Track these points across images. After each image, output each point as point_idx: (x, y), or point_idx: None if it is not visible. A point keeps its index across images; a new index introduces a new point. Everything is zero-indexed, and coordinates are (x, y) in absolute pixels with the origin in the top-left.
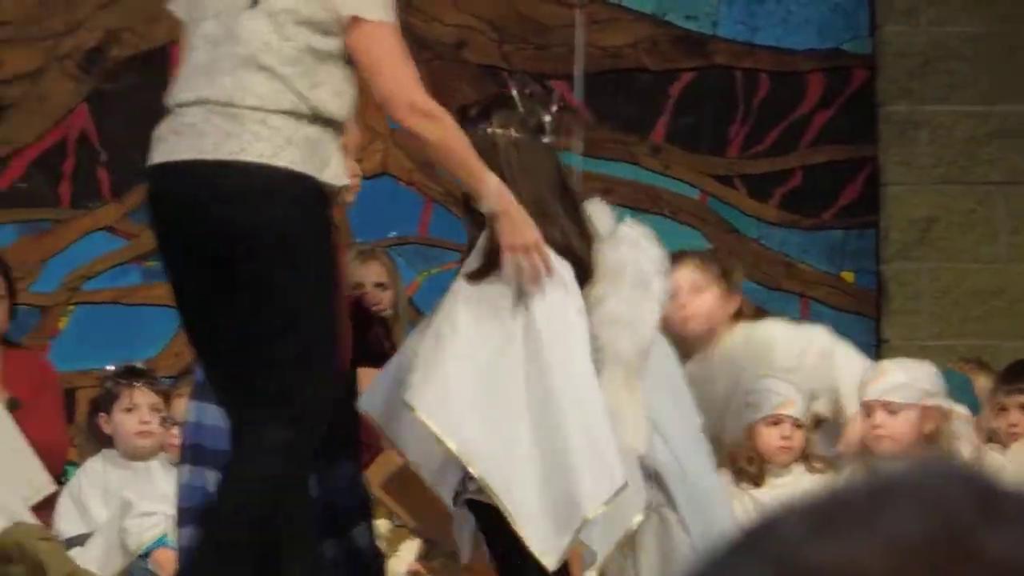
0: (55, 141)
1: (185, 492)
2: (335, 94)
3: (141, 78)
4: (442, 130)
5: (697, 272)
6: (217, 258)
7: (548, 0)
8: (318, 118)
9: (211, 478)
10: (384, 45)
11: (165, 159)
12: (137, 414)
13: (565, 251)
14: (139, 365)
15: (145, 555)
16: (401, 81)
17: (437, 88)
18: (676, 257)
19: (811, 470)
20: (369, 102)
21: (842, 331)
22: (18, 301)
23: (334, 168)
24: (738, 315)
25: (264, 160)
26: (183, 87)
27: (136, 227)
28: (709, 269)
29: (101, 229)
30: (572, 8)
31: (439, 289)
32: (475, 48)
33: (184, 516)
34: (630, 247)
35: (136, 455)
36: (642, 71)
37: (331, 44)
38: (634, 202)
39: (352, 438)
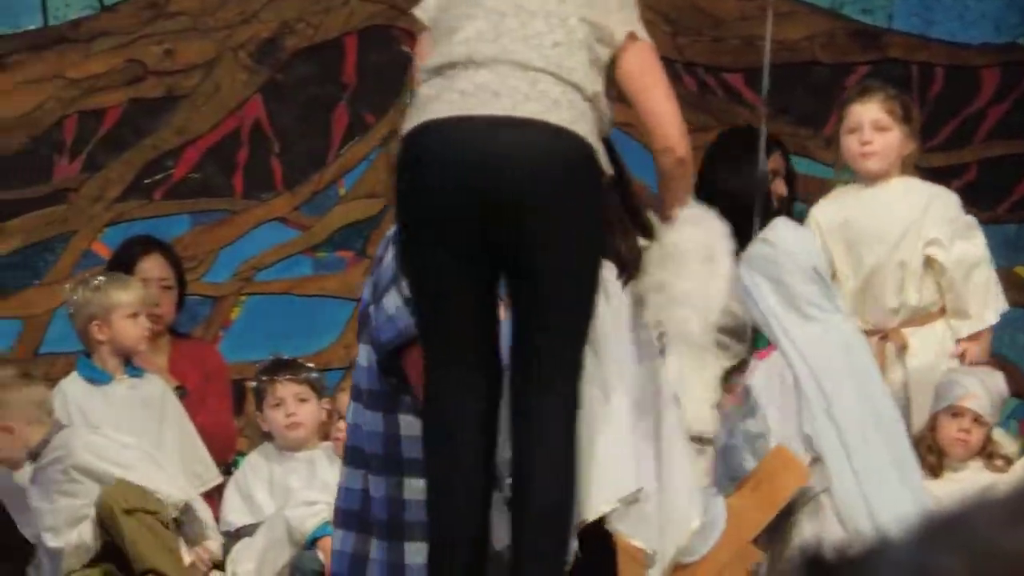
0: (229, 132)
1: (341, 493)
2: (607, 105)
3: (314, 69)
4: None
5: (883, 111)
6: (526, 222)
7: None
8: (595, 108)
9: (367, 482)
10: (657, 67)
11: (459, 113)
12: (283, 408)
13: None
14: (284, 357)
15: (311, 544)
16: (672, 115)
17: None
18: (863, 91)
19: (991, 468)
20: None
21: (1015, 326)
22: (189, 291)
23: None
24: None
25: (577, 131)
26: (466, 49)
27: (308, 218)
28: (894, 109)
29: (273, 219)
30: (750, 1)
31: None
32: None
33: (339, 517)
34: (693, 226)
35: (292, 447)
36: (818, 64)
37: (603, 53)
38: (807, 195)
39: None
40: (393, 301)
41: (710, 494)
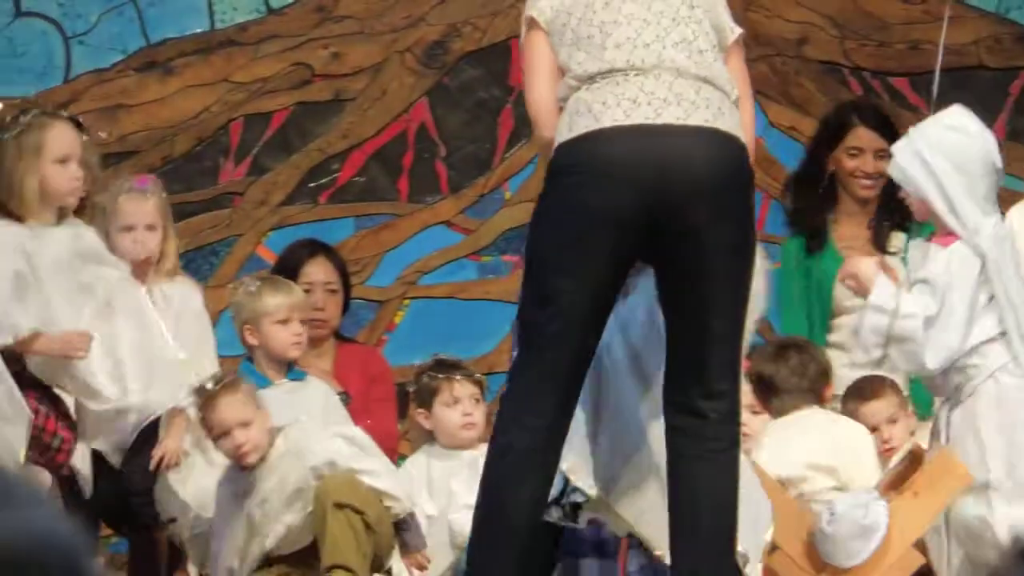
0: (394, 135)
1: None
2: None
3: (481, 72)
4: None
5: None
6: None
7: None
8: (736, 109)
9: None
10: (747, 75)
11: (634, 122)
12: (460, 407)
13: None
14: (447, 357)
15: None
16: (752, 125)
17: (778, 84)
18: None
19: None
20: None
21: None
22: (354, 295)
23: None
24: None
25: (739, 136)
26: (624, 56)
27: (473, 222)
28: None
29: (438, 224)
30: (917, 5)
31: (776, 287)
32: (816, 45)
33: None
34: None
35: (461, 446)
36: (983, 69)
37: (721, 58)
38: None
39: None
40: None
41: (872, 497)
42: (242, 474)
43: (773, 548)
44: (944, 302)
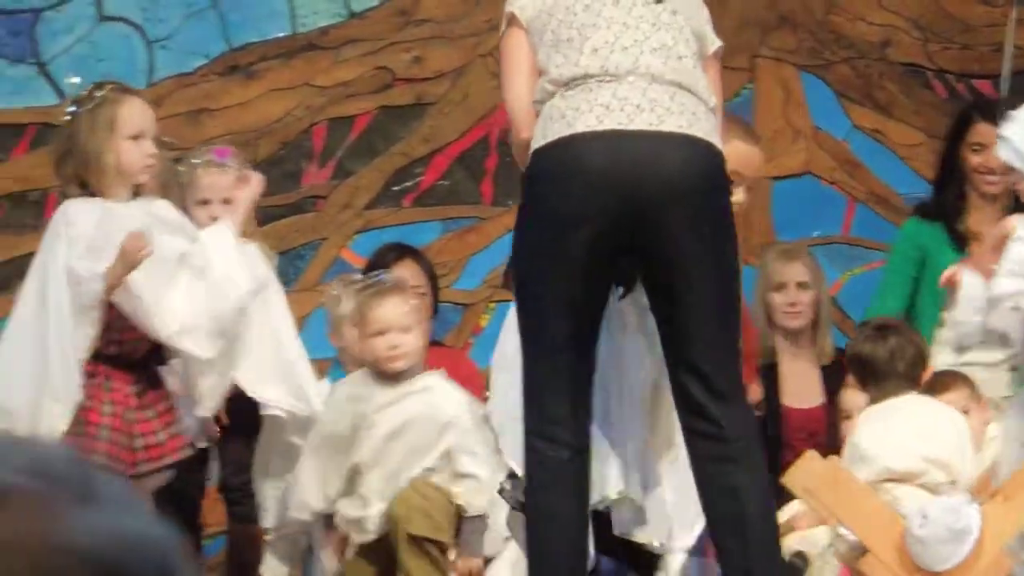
0: (477, 139)
1: None
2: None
3: None
4: None
5: None
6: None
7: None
8: (714, 116)
9: None
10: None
11: (606, 127)
12: None
13: None
14: None
15: None
16: None
17: (862, 87)
18: None
19: None
20: (791, 100)
21: None
22: (442, 299)
23: None
24: None
25: (714, 142)
26: (599, 61)
27: None
28: None
29: None
30: (999, 8)
31: (862, 290)
32: (899, 47)
33: None
34: None
35: None
36: None
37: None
38: None
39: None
40: None
41: (964, 502)
42: (373, 386)
43: (864, 552)
44: None
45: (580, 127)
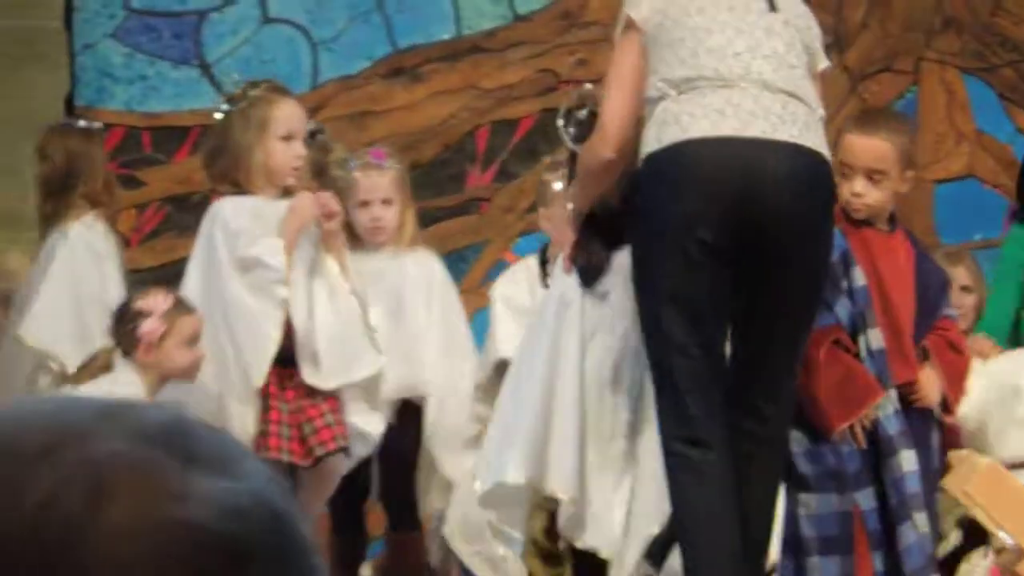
0: None
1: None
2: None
3: None
4: None
5: None
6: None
7: None
8: (823, 126)
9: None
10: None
11: (720, 134)
12: None
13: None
14: None
15: None
16: None
17: None
18: None
19: None
20: (955, 103)
21: None
22: None
23: None
24: None
25: (824, 152)
26: (713, 64)
27: None
28: None
29: None
30: None
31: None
32: None
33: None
34: None
35: None
36: None
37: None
38: None
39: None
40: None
41: None
42: None
43: (1022, 554)
44: None
45: (695, 132)
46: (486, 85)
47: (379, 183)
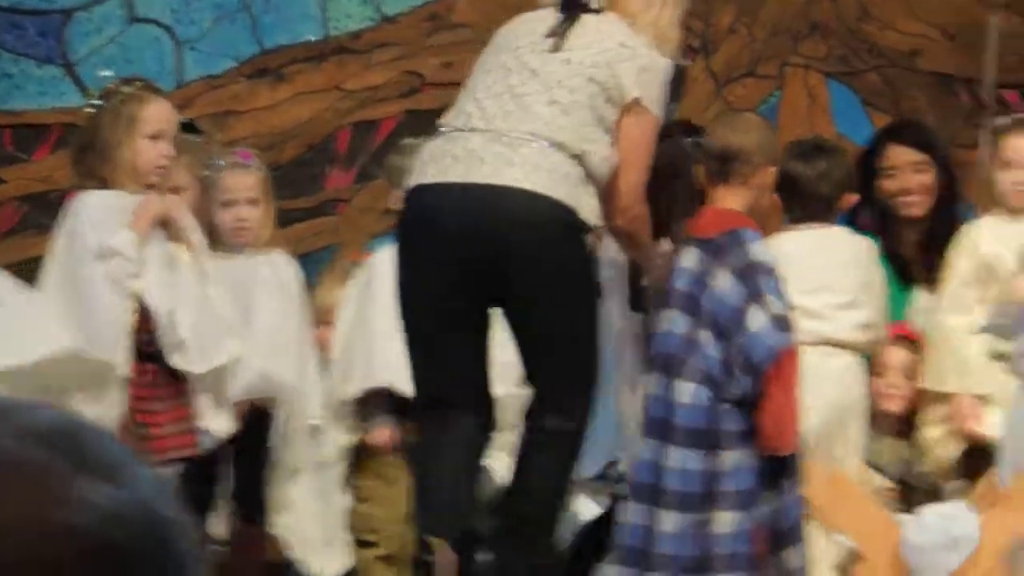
0: None
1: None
2: (602, 158)
3: None
4: (643, 233)
5: None
6: (491, 275)
7: (1005, 9)
8: (581, 160)
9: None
10: (645, 139)
11: (445, 180)
12: None
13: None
14: None
15: None
16: (635, 184)
17: (890, 96)
18: None
19: None
20: (816, 106)
21: None
22: None
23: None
24: None
25: (552, 194)
26: (473, 109)
27: None
28: None
29: None
30: None
31: None
32: (929, 56)
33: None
34: None
35: None
36: None
37: (609, 112)
38: None
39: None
40: (758, 320)
41: (963, 509)
42: None
43: (858, 558)
44: None
45: (428, 177)
46: (351, 86)
47: (245, 183)
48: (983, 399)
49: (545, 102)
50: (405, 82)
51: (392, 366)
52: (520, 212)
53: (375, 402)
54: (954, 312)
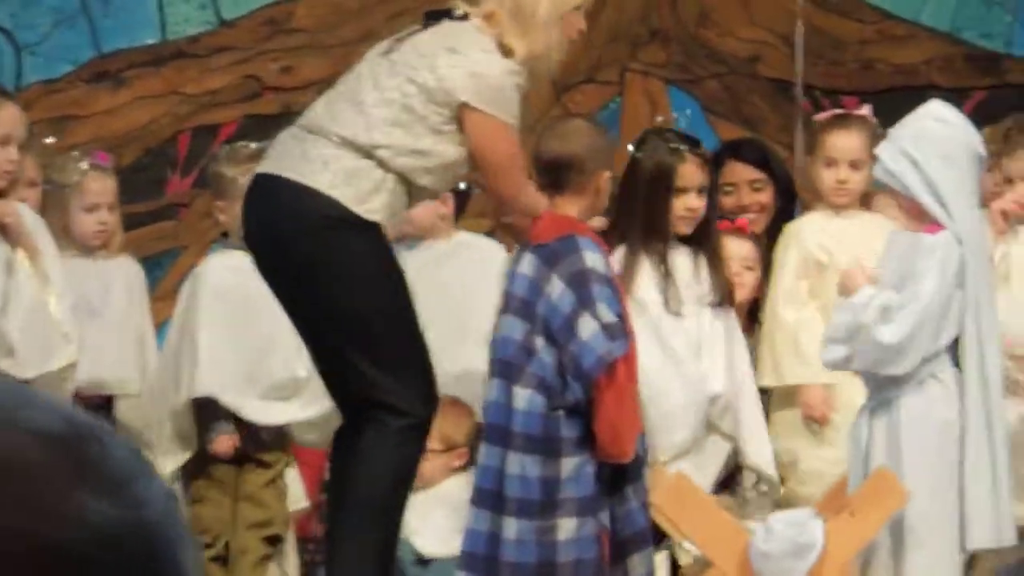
0: None
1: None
2: (411, 154)
3: None
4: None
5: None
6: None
7: (844, 16)
8: (372, 156)
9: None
10: (487, 142)
11: (259, 171)
12: None
13: None
14: None
15: None
16: (498, 186)
17: (729, 102)
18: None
19: None
20: (657, 114)
21: None
22: None
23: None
24: None
25: (332, 193)
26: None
27: None
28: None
29: None
30: (870, 25)
31: None
32: (769, 63)
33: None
34: None
35: None
36: (934, 88)
37: (434, 112)
38: None
39: (641, 467)
40: (588, 328)
41: (809, 516)
42: None
43: (707, 564)
44: (916, 290)
45: (260, 166)
46: (190, 90)
47: (108, 187)
48: (828, 387)
49: (371, 103)
50: (244, 86)
51: (216, 377)
52: (287, 204)
53: (212, 410)
54: (788, 305)
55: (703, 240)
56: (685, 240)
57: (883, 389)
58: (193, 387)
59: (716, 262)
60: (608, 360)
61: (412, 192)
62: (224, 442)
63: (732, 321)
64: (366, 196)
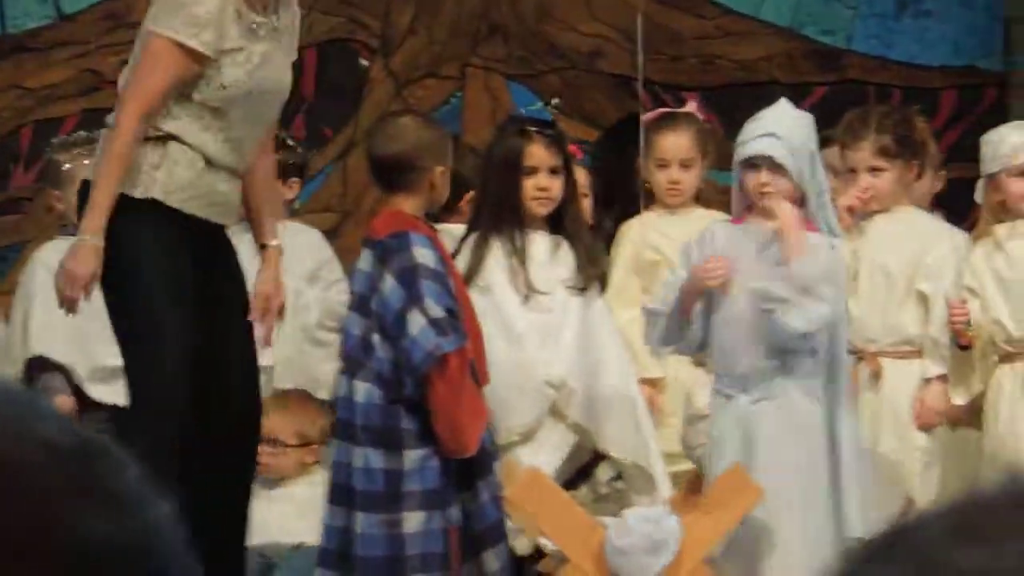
0: None
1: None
2: (166, 115)
3: None
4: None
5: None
6: None
7: (684, 11)
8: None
9: (353, 520)
10: (145, 52)
11: None
12: None
13: None
14: None
15: None
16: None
17: (572, 97)
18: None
19: None
20: (499, 109)
21: None
22: None
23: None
24: None
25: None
26: None
27: None
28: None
29: None
30: (711, 20)
31: None
32: (610, 58)
33: (320, 556)
34: None
35: None
36: (775, 84)
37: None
38: None
39: (491, 461)
40: (417, 324)
41: (664, 513)
42: None
43: (563, 560)
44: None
45: None
46: (29, 84)
47: None
48: (653, 383)
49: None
50: (84, 80)
51: (48, 335)
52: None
53: (47, 374)
54: (620, 304)
55: (565, 223)
56: (551, 224)
57: (737, 382)
58: (28, 347)
59: (579, 246)
60: (437, 355)
61: None
62: (63, 402)
63: (597, 307)
64: (99, 170)
